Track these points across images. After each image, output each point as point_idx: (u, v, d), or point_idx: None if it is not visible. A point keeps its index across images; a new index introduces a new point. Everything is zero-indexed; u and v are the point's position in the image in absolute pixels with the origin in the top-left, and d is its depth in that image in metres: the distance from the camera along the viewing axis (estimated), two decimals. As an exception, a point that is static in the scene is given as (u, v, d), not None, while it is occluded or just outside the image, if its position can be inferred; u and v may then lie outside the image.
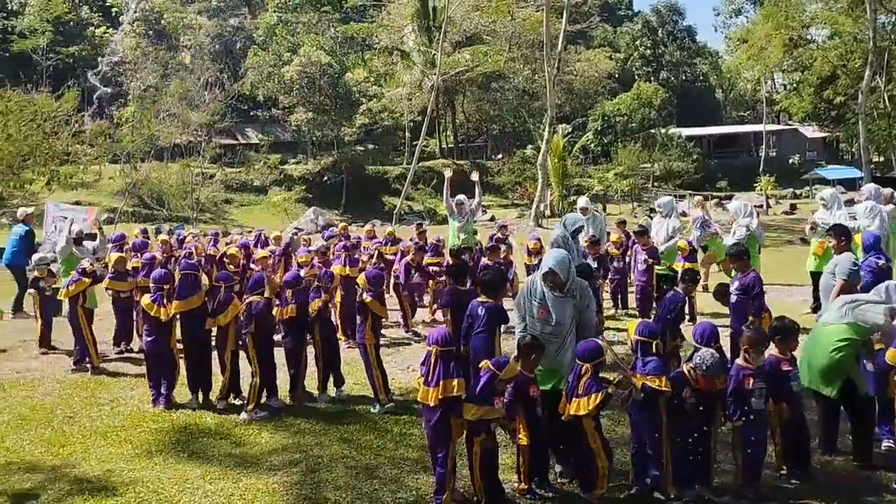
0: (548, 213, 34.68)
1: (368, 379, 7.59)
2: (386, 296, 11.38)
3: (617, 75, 58.76)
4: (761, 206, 42.44)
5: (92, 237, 15.00)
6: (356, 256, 11.49)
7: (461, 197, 13.04)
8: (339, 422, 7.24)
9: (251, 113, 58.01)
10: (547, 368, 5.66)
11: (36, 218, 16.12)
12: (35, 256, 11.07)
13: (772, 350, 5.69)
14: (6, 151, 25.71)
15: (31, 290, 10.40)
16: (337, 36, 55.05)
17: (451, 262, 10.67)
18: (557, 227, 9.82)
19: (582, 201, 13.64)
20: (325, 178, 48.35)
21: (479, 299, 6.68)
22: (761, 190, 45.22)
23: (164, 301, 7.71)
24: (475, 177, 13.70)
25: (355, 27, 54.71)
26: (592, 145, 53.31)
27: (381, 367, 7.64)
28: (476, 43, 50.68)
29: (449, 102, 57.44)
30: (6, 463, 6.30)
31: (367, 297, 7.56)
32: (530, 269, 11.99)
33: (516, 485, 5.54)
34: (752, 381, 5.39)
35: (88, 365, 9.29)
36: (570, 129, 46.34)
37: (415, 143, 43.99)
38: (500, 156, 58.83)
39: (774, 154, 59.44)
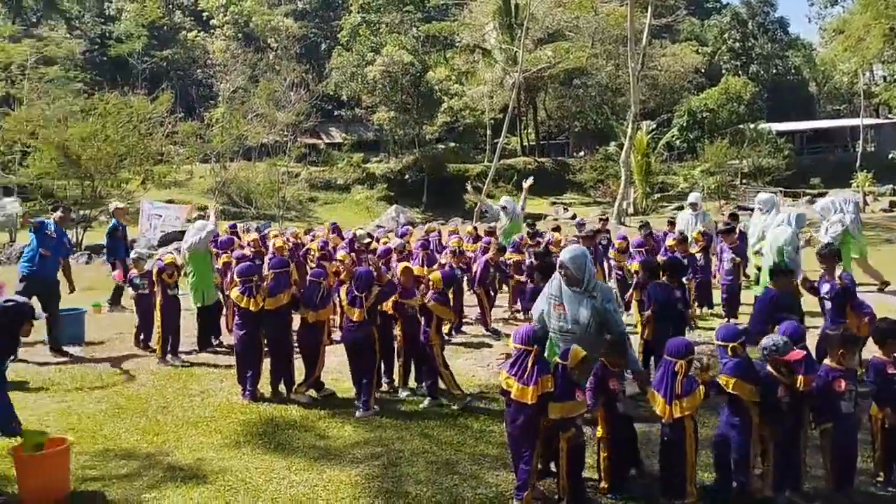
0: (630, 210, 34.14)
1: (440, 378, 7.66)
2: (466, 293, 11.55)
3: (704, 70, 57.33)
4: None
5: (182, 234, 15.53)
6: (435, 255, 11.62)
7: (506, 199, 15.16)
8: (419, 417, 7.31)
9: (335, 113, 59.02)
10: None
11: (131, 215, 16.77)
12: (133, 254, 11.46)
13: (876, 352, 5.47)
14: (104, 152, 26.95)
15: (128, 286, 10.72)
16: (419, 35, 55.47)
17: (535, 261, 10.71)
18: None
19: (692, 197, 13.66)
20: (407, 176, 48.77)
21: None
22: (857, 187, 43.36)
23: (254, 293, 7.93)
24: (526, 184, 15.56)
25: (437, 26, 55.04)
26: (677, 142, 52.15)
27: (448, 366, 7.70)
28: (558, 39, 50.27)
29: (530, 100, 57.15)
30: (104, 450, 6.58)
31: (429, 302, 7.59)
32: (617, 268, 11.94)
33: (598, 484, 5.49)
34: (843, 383, 5.18)
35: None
36: (654, 126, 45.47)
37: (496, 140, 43.92)
38: (581, 153, 58.22)
39: (873, 149, 56.86)
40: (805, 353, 5.28)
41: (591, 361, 5.38)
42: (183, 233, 18.30)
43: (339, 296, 8.16)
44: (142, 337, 10.43)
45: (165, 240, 19.11)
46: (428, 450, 6.41)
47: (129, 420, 7.42)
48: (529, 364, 5.17)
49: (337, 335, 9.19)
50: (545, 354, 5.49)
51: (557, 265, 5.83)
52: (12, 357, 5.91)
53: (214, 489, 5.72)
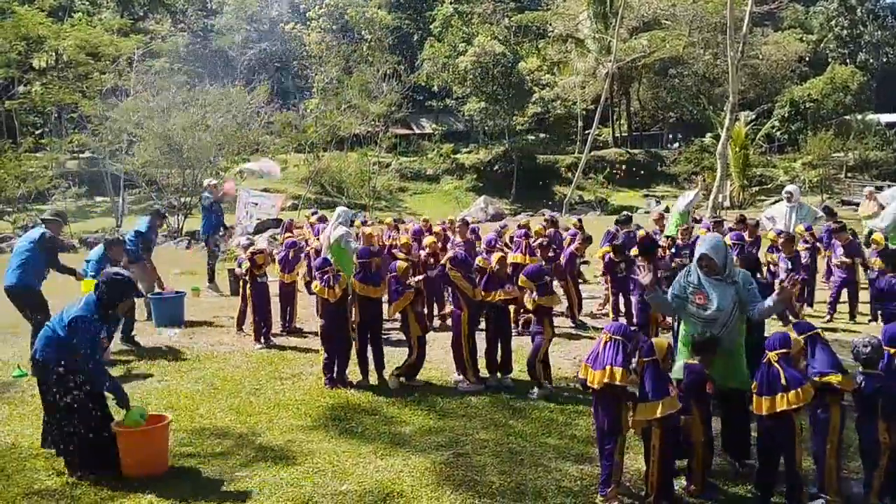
0: (727, 204, 33.12)
1: (529, 368, 7.74)
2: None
3: (808, 58, 54.92)
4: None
5: (277, 222, 15.94)
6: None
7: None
8: (501, 409, 7.35)
9: (426, 103, 59.32)
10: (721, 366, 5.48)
11: (229, 205, 17.28)
12: (243, 240, 11.75)
13: None
14: (205, 141, 27.89)
15: (238, 270, 11.06)
16: (511, 25, 55.09)
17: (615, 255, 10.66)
18: None
19: (790, 187, 13.27)
20: (496, 167, 48.60)
21: None
22: (974, 181, 40.86)
23: (332, 283, 8.12)
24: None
25: (530, 16, 54.52)
26: (778, 133, 50.18)
27: (546, 361, 7.74)
28: (654, 28, 49.08)
29: (623, 90, 56.09)
30: (200, 428, 6.85)
31: (534, 299, 7.64)
32: None
33: (685, 483, 5.39)
34: None
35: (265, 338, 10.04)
36: (753, 116, 43.90)
37: (587, 131, 43.31)
38: (676, 144, 56.78)
39: None
40: None
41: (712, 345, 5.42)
42: (277, 221, 18.84)
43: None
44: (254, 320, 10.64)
45: (261, 227, 19.68)
46: (512, 442, 6.43)
47: (224, 400, 7.70)
48: (601, 349, 5.25)
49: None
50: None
51: (697, 257, 5.76)
52: (112, 333, 6.12)
53: (303, 470, 5.88)
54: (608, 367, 5.18)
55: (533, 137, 54.23)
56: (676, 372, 5.60)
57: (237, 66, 53.25)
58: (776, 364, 4.93)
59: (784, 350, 4.96)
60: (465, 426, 6.83)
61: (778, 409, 4.87)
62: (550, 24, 52.64)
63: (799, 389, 4.83)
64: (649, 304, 6.78)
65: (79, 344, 5.57)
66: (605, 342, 5.31)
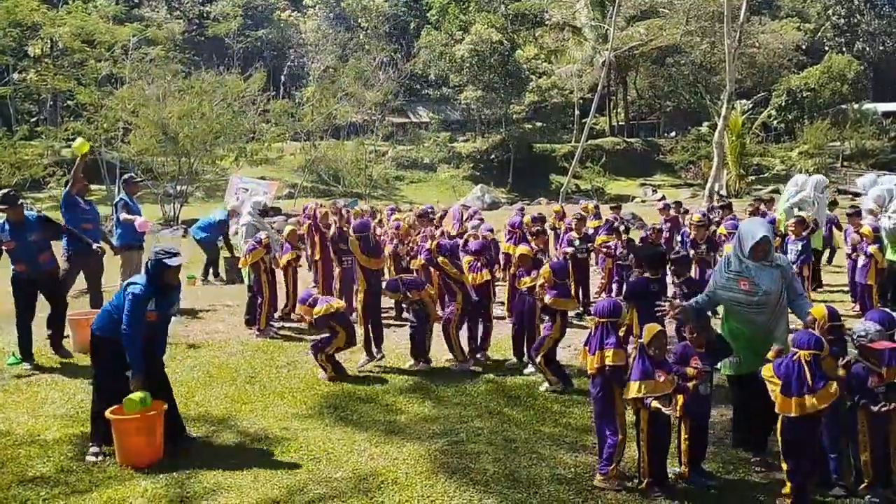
0: (723, 192, 33.11)
1: (532, 363, 7.82)
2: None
3: (805, 47, 54.86)
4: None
5: (276, 210, 15.88)
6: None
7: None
8: (497, 397, 7.38)
9: (422, 92, 59.21)
10: (755, 348, 5.45)
11: (220, 192, 17.20)
12: (261, 234, 11.76)
13: None
14: (200, 129, 27.86)
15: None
16: (508, 13, 54.91)
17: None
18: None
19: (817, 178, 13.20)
20: (493, 155, 48.55)
21: None
22: (970, 171, 40.92)
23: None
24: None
25: (527, 4, 54.32)
26: (775, 122, 50.18)
27: (551, 357, 7.72)
28: (651, 16, 48.95)
29: (620, 79, 55.99)
30: (196, 416, 6.86)
31: (548, 299, 7.57)
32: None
33: (678, 469, 5.41)
34: None
35: (257, 327, 10.00)
36: (750, 105, 43.90)
37: (584, 120, 43.27)
38: (673, 133, 56.74)
39: None
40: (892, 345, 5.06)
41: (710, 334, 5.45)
42: (273, 209, 18.76)
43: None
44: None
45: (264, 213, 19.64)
46: (506, 430, 6.45)
47: (220, 388, 7.71)
48: (594, 334, 5.34)
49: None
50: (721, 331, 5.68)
51: (756, 241, 5.53)
52: (166, 310, 6.14)
53: (298, 457, 5.90)
54: (600, 351, 5.26)
55: (530, 126, 54.15)
56: (729, 367, 5.63)
57: (233, 54, 53.01)
58: (806, 364, 4.76)
59: (816, 352, 4.78)
60: (461, 414, 6.85)
61: (808, 411, 4.73)
62: (547, 13, 52.48)
63: (818, 393, 4.71)
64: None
65: (123, 311, 5.75)
66: (596, 326, 5.39)
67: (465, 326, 8.58)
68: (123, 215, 10.87)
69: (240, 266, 10.32)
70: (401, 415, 6.90)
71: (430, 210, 12.48)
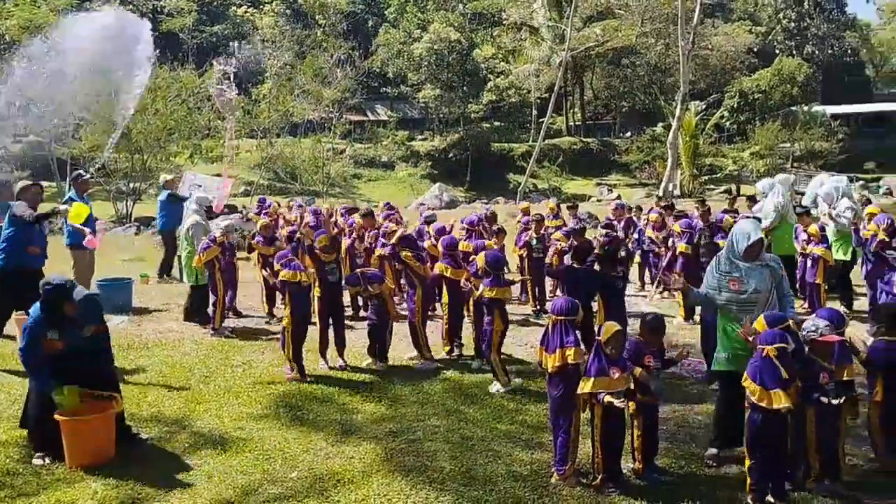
0: (677, 192, 33.62)
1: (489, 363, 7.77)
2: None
3: (757, 50, 55.91)
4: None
5: (232, 208, 15.63)
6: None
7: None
8: (454, 396, 7.41)
9: (381, 90, 59.00)
10: (747, 346, 5.49)
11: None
12: (223, 223, 11.60)
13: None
14: (154, 125, 27.36)
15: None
16: (466, 12, 55.06)
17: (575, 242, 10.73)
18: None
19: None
20: (451, 154, 48.60)
21: None
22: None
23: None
24: None
25: (485, 3, 54.48)
26: (727, 123, 51.06)
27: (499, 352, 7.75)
28: (607, 17, 49.46)
29: (577, 79, 56.46)
30: (148, 416, 6.76)
31: (487, 292, 7.61)
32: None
33: (632, 465, 5.48)
34: None
35: (212, 326, 9.90)
36: (703, 107, 44.61)
37: (541, 120, 43.54)
38: (628, 134, 57.41)
39: (930, 134, 54.99)
40: (840, 339, 5.20)
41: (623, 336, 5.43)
42: (229, 206, 18.50)
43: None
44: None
45: (214, 214, 19.37)
46: (463, 428, 6.46)
47: (173, 388, 7.59)
48: (551, 333, 5.37)
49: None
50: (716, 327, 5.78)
51: (750, 243, 5.63)
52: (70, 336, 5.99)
53: (253, 457, 5.84)
54: (560, 349, 5.28)
55: (488, 125, 54.34)
56: (723, 363, 5.70)
57: (187, 50, 52.21)
58: (775, 359, 4.89)
59: (782, 345, 4.90)
60: (418, 413, 6.85)
61: (775, 407, 4.85)
62: (505, 12, 52.68)
63: (792, 388, 4.85)
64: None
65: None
66: (554, 324, 5.40)
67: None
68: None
69: (193, 265, 10.15)
70: (357, 414, 6.88)
71: (389, 207, 12.56)
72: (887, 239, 9.05)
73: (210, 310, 10.12)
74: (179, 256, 14.08)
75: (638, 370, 5.32)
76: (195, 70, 34.02)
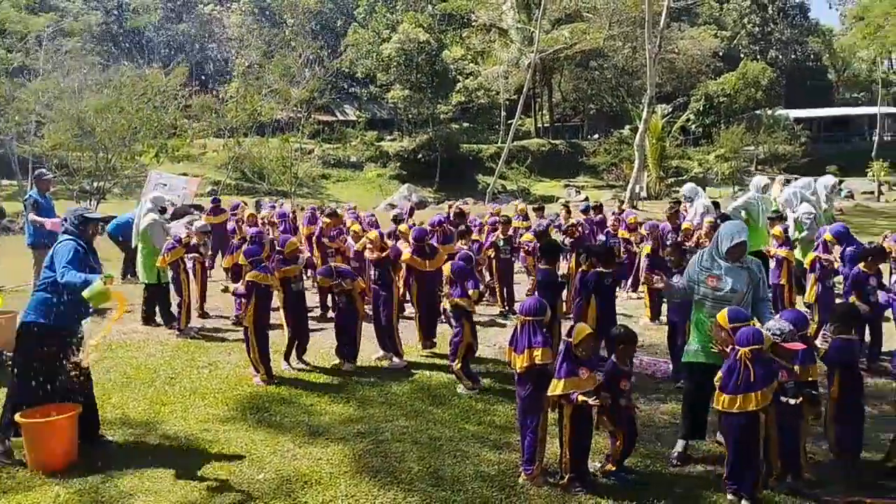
0: (643, 195, 33.96)
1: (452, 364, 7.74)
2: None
3: (722, 54, 56.71)
4: (872, 193, 40.42)
5: (199, 208, 15.47)
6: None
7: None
8: (421, 397, 7.41)
9: (350, 90, 58.84)
10: (711, 340, 5.60)
11: (140, 188, 16.69)
12: (197, 224, 11.46)
13: None
14: (119, 124, 27.00)
15: (195, 255, 10.63)
16: (436, 13, 55.11)
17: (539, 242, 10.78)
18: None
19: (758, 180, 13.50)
20: (420, 155, 48.60)
21: None
22: (874, 175, 43.00)
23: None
24: None
25: (454, 4, 54.55)
26: (693, 126, 51.75)
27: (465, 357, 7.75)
28: (575, 20, 49.79)
29: (546, 81, 56.79)
30: (112, 419, 6.65)
31: (453, 299, 7.66)
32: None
33: (599, 465, 5.52)
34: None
35: (177, 327, 9.80)
36: (669, 110, 45.17)
37: (510, 121, 43.73)
38: (596, 136, 57.88)
39: (889, 138, 56.21)
40: (804, 345, 5.31)
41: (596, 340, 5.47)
42: (195, 206, 18.30)
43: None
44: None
45: (176, 213, 19.16)
46: (431, 429, 6.46)
47: (137, 390, 7.50)
48: (520, 333, 5.38)
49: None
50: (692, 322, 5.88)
51: (732, 244, 5.73)
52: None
53: (219, 459, 5.79)
54: (529, 350, 5.30)
55: (457, 126, 54.44)
56: (692, 355, 5.78)
57: (153, 48, 51.60)
58: (748, 362, 4.92)
59: (757, 346, 4.95)
60: (386, 414, 6.84)
61: (749, 409, 4.91)
62: (474, 14, 52.83)
63: (766, 389, 4.89)
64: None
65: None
66: (522, 325, 5.42)
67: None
68: (32, 216, 10.54)
69: (157, 264, 10.03)
70: (325, 415, 6.85)
71: (351, 209, 12.55)
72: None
73: (175, 310, 10.02)
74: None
75: (624, 382, 5.39)
76: (161, 68, 33.66)
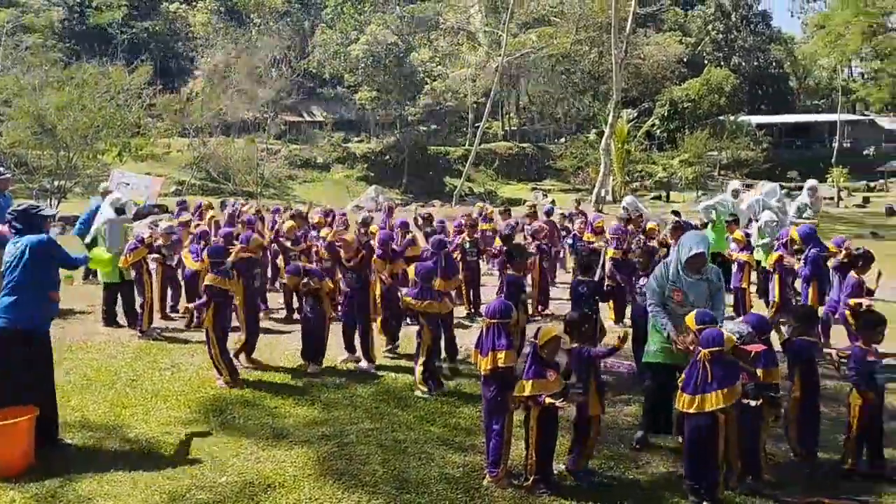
0: (609, 198, 34.22)
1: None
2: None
3: (686, 60, 57.43)
4: (832, 198, 41.15)
5: (162, 208, 15.26)
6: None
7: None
8: (386, 399, 7.39)
9: (317, 91, 58.53)
10: (669, 341, 5.74)
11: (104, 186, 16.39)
12: (163, 224, 11.29)
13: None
14: (81, 122, 26.53)
15: (156, 256, 10.39)
16: (404, 15, 55.07)
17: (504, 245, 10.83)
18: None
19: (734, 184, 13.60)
20: (387, 157, 48.52)
21: None
22: (833, 181, 43.81)
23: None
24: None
25: (422, 6, 54.58)
26: (658, 131, 52.30)
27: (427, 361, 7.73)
28: (543, 24, 50.05)
29: (513, 84, 57.02)
30: (71, 422, 6.53)
31: (408, 300, 7.64)
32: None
33: (564, 466, 5.56)
34: None
35: (139, 328, 9.69)
36: (635, 114, 45.58)
37: (477, 124, 43.85)
38: (562, 139, 58.23)
39: (849, 145, 57.37)
40: (766, 347, 5.39)
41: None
42: (159, 206, 18.07)
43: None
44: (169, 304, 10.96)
45: (139, 214, 18.88)
46: (395, 431, 6.45)
47: (98, 392, 7.38)
48: (485, 335, 5.40)
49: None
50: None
51: (691, 255, 5.80)
52: None
53: (181, 463, 5.72)
54: (492, 352, 5.31)
55: (424, 128, 54.47)
56: (652, 355, 5.88)
57: (117, 45, 50.85)
58: (707, 363, 4.98)
59: (717, 348, 5.01)
60: (350, 416, 6.81)
61: (706, 409, 4.96)
62: (443, 16, 52.87)
63: (726, 390, 4.93)
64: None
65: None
66: (488, 327, 5.43)
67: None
68: None
69: (119, 265, 9.87)
70: (288, 418, 6.80)
71: (330, 211, 12.52)
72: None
73: (138, 310, 9.89)
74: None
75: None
76: (125, 66, 33.16)
